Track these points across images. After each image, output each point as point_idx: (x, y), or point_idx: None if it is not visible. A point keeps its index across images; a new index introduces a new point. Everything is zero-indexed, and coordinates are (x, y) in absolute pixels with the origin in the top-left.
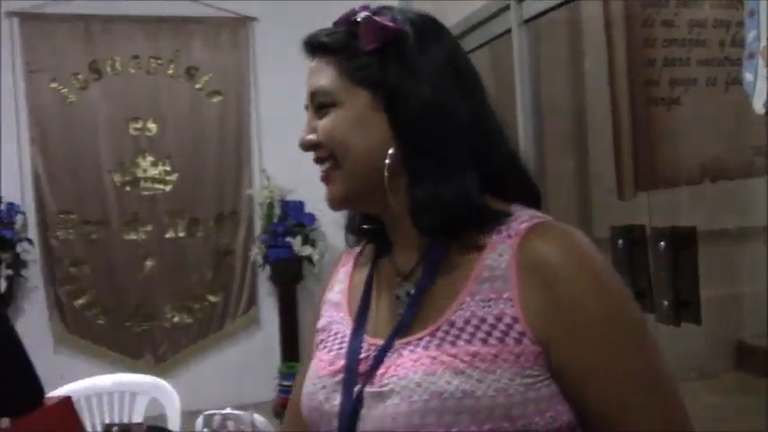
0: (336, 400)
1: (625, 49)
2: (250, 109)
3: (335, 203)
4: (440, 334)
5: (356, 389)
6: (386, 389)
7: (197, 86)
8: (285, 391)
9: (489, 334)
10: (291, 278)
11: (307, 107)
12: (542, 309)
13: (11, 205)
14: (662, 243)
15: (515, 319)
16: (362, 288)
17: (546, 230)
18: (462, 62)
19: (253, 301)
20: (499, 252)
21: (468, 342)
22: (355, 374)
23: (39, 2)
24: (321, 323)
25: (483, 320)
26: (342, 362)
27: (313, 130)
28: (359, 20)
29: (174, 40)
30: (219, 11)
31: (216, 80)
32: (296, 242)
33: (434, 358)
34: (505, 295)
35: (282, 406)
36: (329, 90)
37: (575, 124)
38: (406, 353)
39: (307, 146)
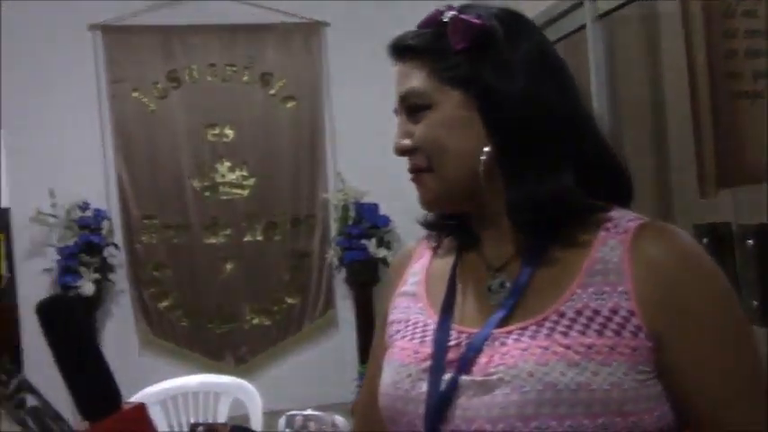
0: (423, 387)
1: (705, 41)
2: (323, 113)
3: (429, 206)
4: (548, 324)
5: (447, 376)
6: (493, 378)
7: (271, 92)
8: None
9: (605, 326)
10: (367, 280)
11: (396, 111)
12: (658, 305)
13: (98, 211)
14: (749, 241)
15: (632, 313)
16: (443, 279)
17: (659, 230)
18: (551, 55)
19: (330, 303)
20: (610, 246)
21: (582, 333)
22: (443, 362)
23: (120, 15)
24: (395, 315)
25: (597, 312)
26: (427, 350)
27: (407, 134)
28: (446, 20)
29: (248, 48)
30: (292, 17)
31: (289, 85)
32: (371, 244)
33: (546, 348)
34: (620, 288)
35: None
36: (421, 92)
37: (653, 121)
38: (510, 342)
39: (402, 151)
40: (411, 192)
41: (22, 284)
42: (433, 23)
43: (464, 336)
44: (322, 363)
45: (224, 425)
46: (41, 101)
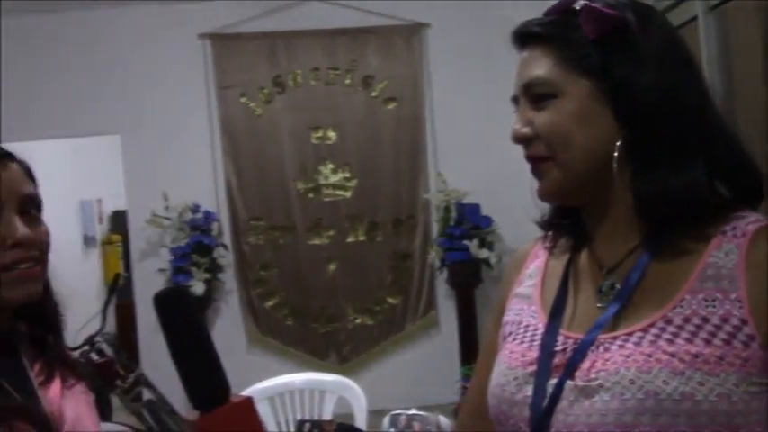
0: (528, 391)
1: None
2: (424, 114)
3: (548, 197)
4: (654, 330)
5: (552, 381)
6: (593, 384)
7: (373, 94)
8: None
9: (713, 335)
10: (469, 281)
11: (515, 99)
12: None
13: (207, 213)
14: None
15: (744, 322)
16: (556, 281)
17: None
18: (682, 47)
19: (431, 303)
20: (725, 251)
21: (689, 341)
22: (549, 367)
23: (228, 23)
24: (509, 317)
25: (706, 320)
26: (534, 354)
27: (528, 122)
28: (577, 8)
29: (350, 51)
30: (393, 19)
31: (391, 87)
32: (472, 245)
33: (649, 355)
34: (733, 296)
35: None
36: (548, 80)
37: None
38: (614, 348)
39: (520, 139)
40: (513, 192)
41: (138, 284)
42: (562, 11)
43: (571, 341)
44: (424, 363)
45: (330, 422)
46: (155, 108)
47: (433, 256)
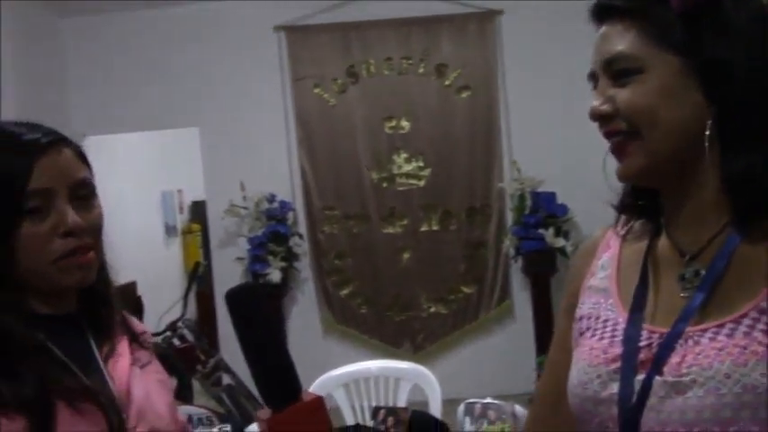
0: (614, 388)
1: None
2: (498, 101)
3: (630, 178)
4: (747, 321)
5: (639, 378)
6: (685, 379)
7: (446, 83)
8: None
9: None
10: (545, 270)
11: (593, 75)
12: None
13: (283, 203)
14: None
15: None
16: (634, 270)
17: None
18: None
19: (506, 293)
20: None
21: None
22: (635, 363)
23: (302, 15)
24: (583, 311)
25: None
26: (617, 350)
27: (608, 99)
28: None
29: (423, 40)
30: (466, 7)
31: (464, 76)
32: (548, 234)
33: (744, 348)
34: None
35: None
36: (631, 55)
37: None
38: (705, 341)
39: (599, 116)
40: (589, 180)
41: (216, 272)
42: None
43: (656, 336)
44: (498, 353)
45: (405, 409)
46: (232, 100)
47: (508, 245)
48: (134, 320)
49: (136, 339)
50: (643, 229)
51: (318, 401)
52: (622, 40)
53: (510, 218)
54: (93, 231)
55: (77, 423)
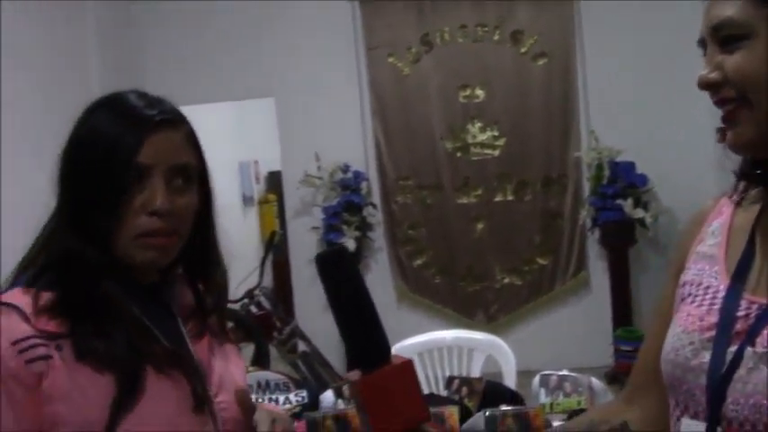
0: (705, 357)
1: None
2: (576, 68)
3: (740, 148)
4: None
5: (732, 349)
6: None
7: (522, 50)
8: (624, 356)
9: None
10: (623, 242)
11: (702, 42)
12: None
13: (357, 173)
14: None
15: None
16: (742, 240)
17: None
18: None
19: (582, 264)
20: None
21: None
22: (730, 333)
23: None
24: (688, 276)
25: None
26: (713, 318)
27: (717, 66)
28: None
29: (498, 7)
30: None
31: (540, 43)
32: (627, 204)
33: None
34: None
35: (621, 371)
36: (740, 21)
37: None
38: None
39: (707, 84)
40: (671, 150)
41: (292, 241)
42: None
43: (755, 306)
44: (573, 325)
45: (479, 380)
46: (306, 70)
47: (585, 215)
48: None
49: (217, 315)
50: (758, 197)
51: (409, 364)
52: (730, 6)
53: (587, 188)
54: (181, 216)
55: (163, 387)
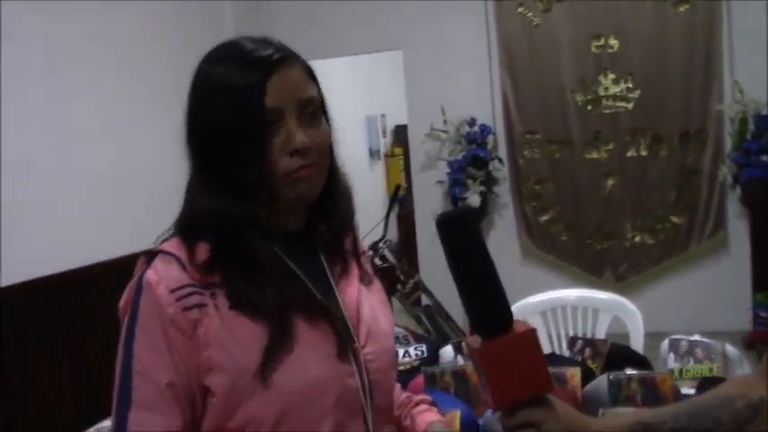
0: None
1: None
2: (721, 16)
3: None
4: None
5: None
6: None
7: None
8: (763, 323)
9: None
10: (767, 201)
11: None
12: None
13: (483, 126)
14: None
15: None
16: None
17: None
18: None
19: (720, 224)
20: None
21: None
22: None
23: None
24: None
25: None
26: None
27: None
28: None
29: None
30: None
31: None
32: None
33: None
34: None
35: (759, 339)
36: None
37: None
38: None
39: None
40: None
41: (417, 195)
42: None
43: None
44: (708, 287)
45: (603, 341)
46: (435, 23)
47: (725, 172)
48: (359, 240)
49: (361, 258)
50: None
51: (531, 333)
52: None
53: (728, 143)
54: (320, 149)
55: (311, 335)
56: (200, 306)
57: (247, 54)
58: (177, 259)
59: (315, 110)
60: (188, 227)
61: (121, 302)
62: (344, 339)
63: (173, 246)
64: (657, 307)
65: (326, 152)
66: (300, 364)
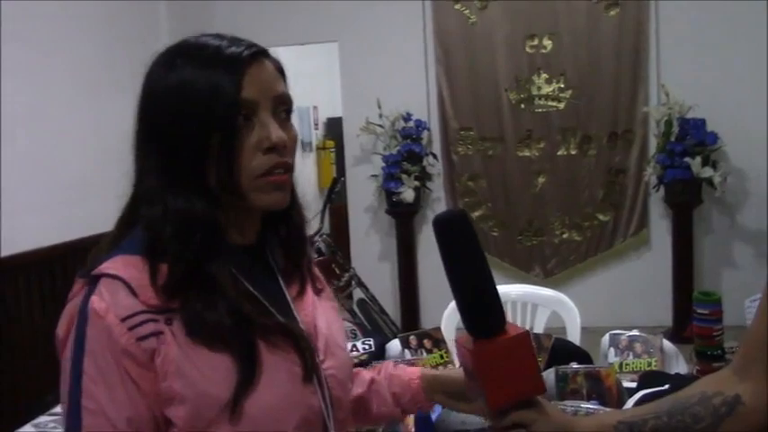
0: None
1: None
2: (650, 20)
3: None
4: None
5: None
6: None
7: (593, 0)
8: (701, 319)
9: None
10: (688, 201)
11: None
12: None
13: (419, 122)
14: None
15: None
16: None
17: None
18: None
19: (644, 222)
20: None
21: None
22: None
23: None
24: None
25: None
26: None
27: None
28: None
29: None
30: None
31: None
32: (695, 163)
33: None
34: None
35: (698, 334)
36: None
37: None
38: None
39: None
40: (743, 107)
41: (350, 188)
42: None
43: None
44: (633, 283)
45: (548, 336)
46: (372, 16)
47: (650, 172)
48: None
49: (311, 264)
50: None
51: (525, 335)
52: None
53: (654, 145)
54: (292, 150)
55: (274, 359)
56: (156, 334)
57: (218, 50)
58: (125, 283)
59: (288, 108)
60: (155, 240)
61: (60, 330)
62: (308, 359)
63: (117, 266)
64: (585, 302)
65: (295, 156)
66: (268, 390)
